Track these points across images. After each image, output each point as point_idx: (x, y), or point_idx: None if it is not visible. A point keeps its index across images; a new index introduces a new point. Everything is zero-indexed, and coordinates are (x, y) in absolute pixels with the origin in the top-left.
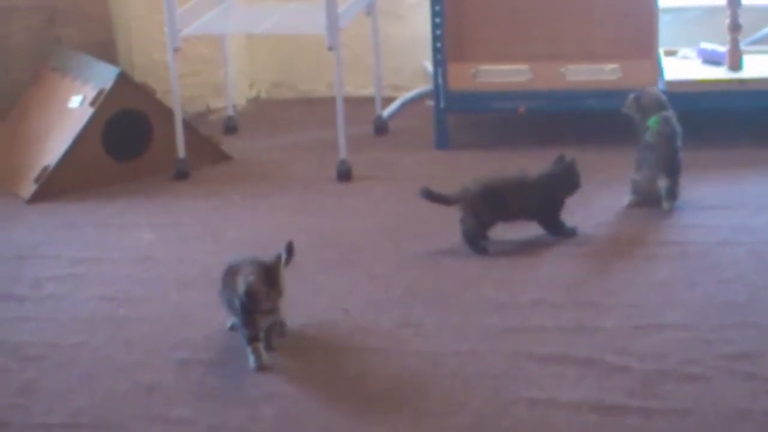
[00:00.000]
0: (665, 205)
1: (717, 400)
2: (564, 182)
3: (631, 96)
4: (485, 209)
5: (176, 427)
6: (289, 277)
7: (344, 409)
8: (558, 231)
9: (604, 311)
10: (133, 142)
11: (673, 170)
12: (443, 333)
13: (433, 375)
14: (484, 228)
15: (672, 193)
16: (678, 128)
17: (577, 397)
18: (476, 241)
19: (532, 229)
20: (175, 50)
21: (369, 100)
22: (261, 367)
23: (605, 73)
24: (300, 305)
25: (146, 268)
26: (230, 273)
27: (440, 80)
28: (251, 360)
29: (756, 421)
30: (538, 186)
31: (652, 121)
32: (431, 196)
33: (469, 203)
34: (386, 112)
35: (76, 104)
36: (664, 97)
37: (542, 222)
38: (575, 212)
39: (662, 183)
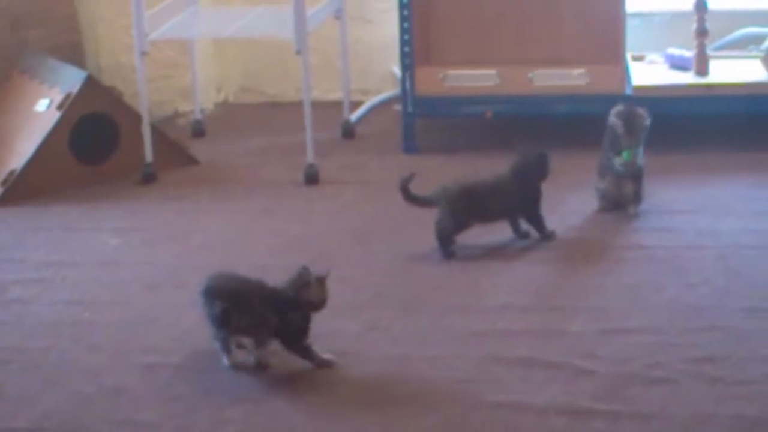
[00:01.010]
0: (631, 209)
1: (683, 404)
2: (534, 168)
3: (621, 109)
4: (463, 210)
5: (143, 430)
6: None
7: (312, 413)
8: (541, 227)
9: (571, 315)
10: (101, 146)
11: (637, 175)
12: (411, 337)
13: (401, 378)
14: (460, 229)
15: (637, 197)
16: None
17: (544, 400)
18: (447, 243)
19: (500, 234)
20: (143, 54)
21: (337, 104)
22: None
23: (573, 78)
24: None
25: (112, 271)
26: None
27: (408, 84)
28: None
29: (721, 425)
30: (512, 180)
31: (627, 154)
32: (410, 198)
33: (447, 203)
34: (354, 116)
35: (43, 108)
36: (648, 124)
37: (526, 215)
38: (544, 215)
39: (627, 188)
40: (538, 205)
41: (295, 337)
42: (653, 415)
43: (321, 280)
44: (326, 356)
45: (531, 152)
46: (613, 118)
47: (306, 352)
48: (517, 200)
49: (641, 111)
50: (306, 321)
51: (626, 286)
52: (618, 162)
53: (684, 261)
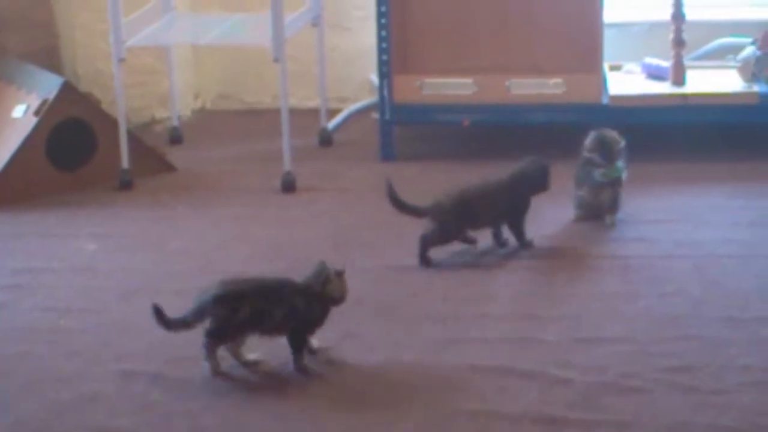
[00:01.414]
0: (607, 219)
1: (657, 413)
2: (532, 180)
3: (594, 138)
4: (452, 222)
5: None
6: None
7: (288, 420)
8: (521, 235)
9: (546, 324)
10: (77, 152)
11: (615, 184)
12: (387, 344)
13: (376, 386)
14: (446, 242)
15: (614, 206)
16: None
17: (519, 409)
18: (426, 252)
19: (477, 242)
20: (121, 60)
21: (314, 112)
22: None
23: (550, 86)
24: None
25: (89, 278)
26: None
27: (386, 92)
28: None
29: None
30: (506, 187)
31: (609, 172)
32: (400, 205)
33: (438, 217)
34: (331, 124)
35: (20, 114)
36: (623, 143)
37: (510, 223)
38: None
39: (604, 197)
40: (525, 215)
41: (306, 331)
42: (628, 424)
43: (340, 275)
44: (307, 363)
45: (533, 163)
46: (587, 153)
47: (300, 351)
48: (507, 208)
49: (614, 135)
50: (325, 316)
51: (602, 295)
52: (598, 173)
53: (660, 270)
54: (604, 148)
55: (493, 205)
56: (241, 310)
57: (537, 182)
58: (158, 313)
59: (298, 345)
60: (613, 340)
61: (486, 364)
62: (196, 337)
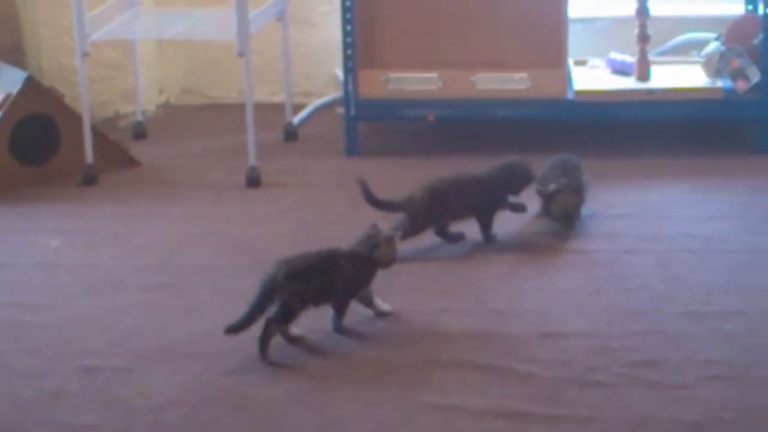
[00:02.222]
0: (558, 225)
1: (621, 408)
2: (512, 179)
3: (552, 168)
4: (423, 216)
5: None
6: (197, 283)
7: (249, 415)
8: (487, 230)
9: (510, 318)
10: (41, 147)
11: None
12: (349, 339)
13: (338, 380)
14: (416, 234)
15: (576, 212)
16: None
17: (482, 403)
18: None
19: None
20: (84, 55)
21: (279, 107)
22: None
23: (515, 82)
24: (208, 311)
25: (52, 274)
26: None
27: (350, 87)
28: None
29: (659, 429)
30: (484, 183)
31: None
32: (375, 201)
33: (413, 211)
34: (296, 119)
35: None
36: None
37: (480, 218)
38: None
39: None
40: (496, 212)
41: (352, 294)
42: (591, 419)
43: (390, 240)
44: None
45: (517, 163)
46: (541, 186)
47: (344, 313)
48: (480, 203)
49: (575, 160)
50: (371, 279)
51: (565, 290)
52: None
53: (623, 265)
54: (566, 172)
55: (465, 197)
56: (312, 282)
57: (516, 183)
58: (237, 329)
59: (343, 308)
60: (576, 334)
61: (449, 359)
62: (156, 333)
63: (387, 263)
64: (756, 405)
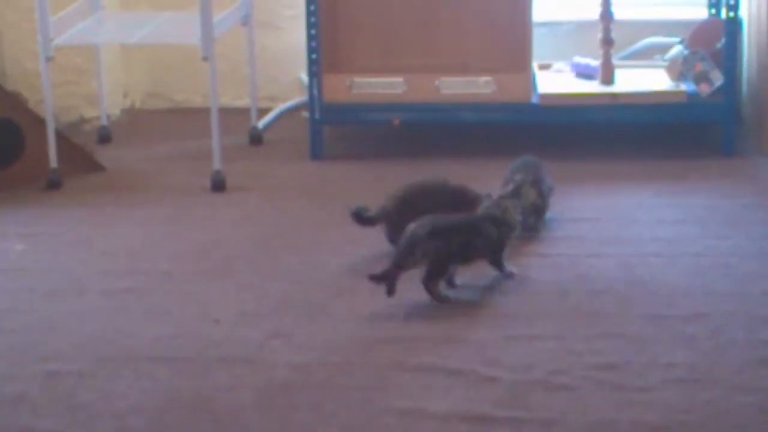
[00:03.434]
0: (531, 219)
1: (584, 411)
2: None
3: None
4: (400, 225)
5: None
6: (162, 288)
7: (214, 420)
8: None
9: (474, 322)
10: (5, 152)
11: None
12: (314, 344)
13: (303, 385)
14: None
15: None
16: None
17: (447, 407)
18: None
19: None
20: (48, 59)
21: (244, 111)
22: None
23: (479, 86)
24: (170, 316)
25: (15, 278)
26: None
27: (315, 91)
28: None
29: (621, 431)
30: (454, 190)
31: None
32: (361, 219)
33: (386, 221)
34: (261, 123)
35: None
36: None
37: None
38: None
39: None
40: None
41: (502, 251)
42: (555, 422)
43: (515, 206)
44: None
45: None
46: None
47: (503, 265)
48: (450, 207)
49: (533, 160)
50: (508, 240)
51: (530, 293)
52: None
53: (587, 269)
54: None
55: (435, 202)
56: (452, 242)
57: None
58: (379, 278)
59: (500, 262)
60: (540, 337)
61: (413, 363)
62: (120, 337)
63: (514, 226)
64: (718, 408)
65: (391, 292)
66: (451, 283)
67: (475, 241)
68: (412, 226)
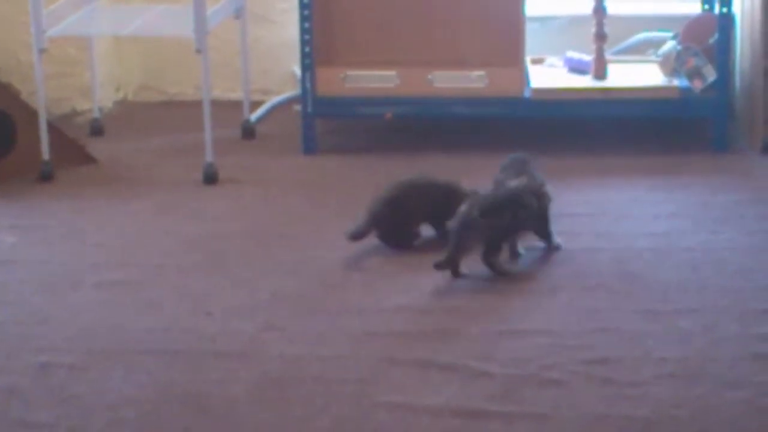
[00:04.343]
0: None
1: (576, 405)
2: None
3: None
4: (390, 228)
5: (36, 431)
6: (154, 280)
7: (206, 413)
8: (443, 231)
9: (467, 317)
10: None
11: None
12: (306, 337)
13: (296, 379)
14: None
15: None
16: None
17: (439, 402)
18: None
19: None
20: (41, 51)
21: (237, 104)
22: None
23: (472, 80)
24: (163, 309)
25: (7, 270)
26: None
27: (308, 85)
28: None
29: (612, 426)
30: (446, 188)
31: None
32: (356, 236)
33: (377, 226)
34: (254, 116)
35: None
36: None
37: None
38: None
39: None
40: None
41: (539, 226)
42: (547, 417)
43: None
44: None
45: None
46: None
47: (551, 234)
48: (441, 207)
49: (525, 158)
50: (548, 211)
51: (522, 288)
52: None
53: (581, 264)
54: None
55: (424, 200)
56: (504, 217)
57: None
58: (444, 265)
59: (549, 233)
60: (533, 332)
61: (406, 357)
62: (113, 330)
63: (551, 198)
64: (710, 403)
65: (456, 274)
66: (514, 255)
67: (520, 214)
68: (463, 209)
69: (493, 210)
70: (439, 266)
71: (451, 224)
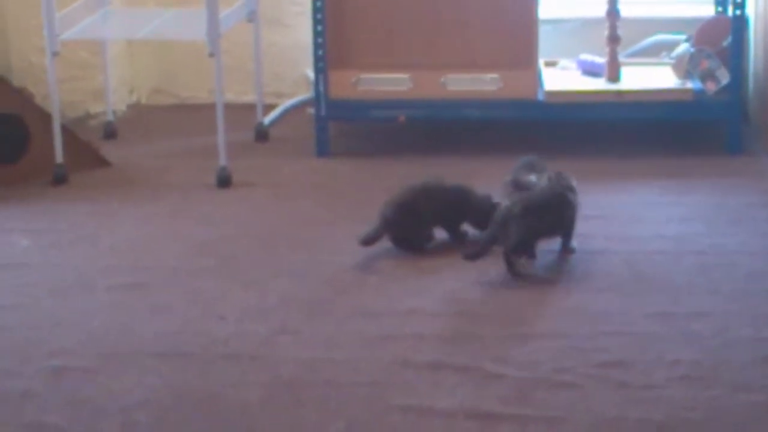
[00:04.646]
0: None
1: (589, 408)
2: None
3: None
4: (402, 232)
5: None
6: (167, 284)
7: (219, 416)
8: (457, 233)
9: (480, 319)
10: (11, 147)
11: None
12: (319, 340)
13: (308, 382)
14: (402, 249)
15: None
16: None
17: (453, 404)
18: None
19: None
20: (54, 54)
21: (250, 107)
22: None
23: (485, 82)
24: (175, 312)
25: (21, 274)
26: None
27: (321, 88)
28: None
29: (626, 429)
30: (457, 191)
31: None
32: (368, 241)
33: (388, 231)
34: (267, 119)
35: None
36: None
37: (453, 223)
38: None
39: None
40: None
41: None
42: (560, 420)
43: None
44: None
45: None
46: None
47: (572, 235)
48: (453, 211)
49: (538, 161)
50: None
51: (536, 290)
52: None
53: (593, 266)
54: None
55: (436, 203)
56: (544, 219)
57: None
58: (474, 257)
59: (570, 234)
60: (546, 335)
61: (419, 360)
62: (125, 333)
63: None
64: (723, 405)
65: (513, 271)
66: (531, 256)
67: (566, 214)
68: (506, 204)
69: (535, 210)
70: (468, 257)
71: (493, 217)
